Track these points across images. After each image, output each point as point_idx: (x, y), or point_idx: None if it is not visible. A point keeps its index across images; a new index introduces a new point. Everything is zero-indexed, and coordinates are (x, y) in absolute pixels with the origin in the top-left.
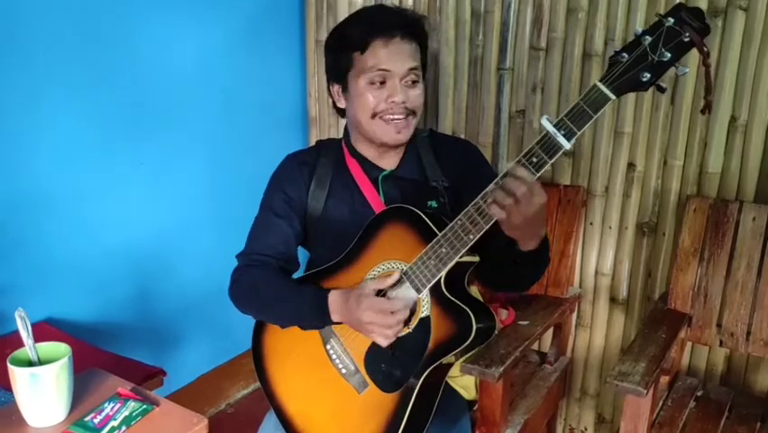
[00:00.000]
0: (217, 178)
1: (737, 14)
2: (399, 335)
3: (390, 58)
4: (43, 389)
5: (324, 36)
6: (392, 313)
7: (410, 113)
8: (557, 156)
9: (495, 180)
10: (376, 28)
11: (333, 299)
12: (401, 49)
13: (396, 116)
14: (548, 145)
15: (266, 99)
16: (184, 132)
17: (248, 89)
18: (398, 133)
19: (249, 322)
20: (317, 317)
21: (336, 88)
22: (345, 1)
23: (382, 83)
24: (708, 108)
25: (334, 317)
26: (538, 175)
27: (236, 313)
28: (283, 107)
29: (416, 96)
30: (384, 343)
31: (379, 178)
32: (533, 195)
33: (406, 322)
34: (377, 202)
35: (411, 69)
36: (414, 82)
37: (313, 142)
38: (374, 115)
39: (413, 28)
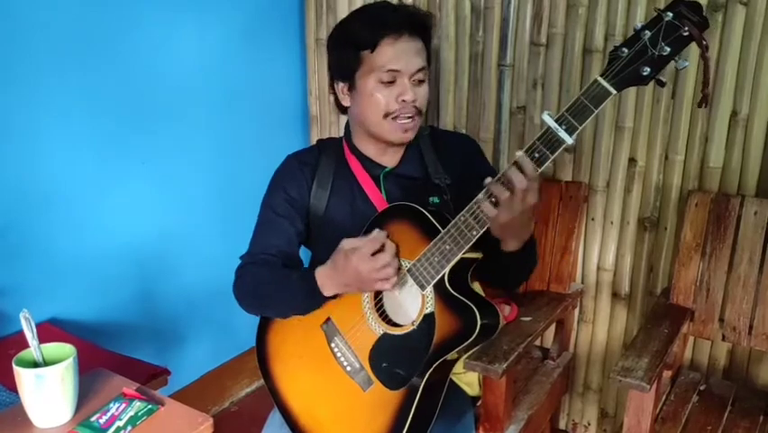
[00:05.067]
0: (219, 176)
1: (738, 9)
2: (405, 331)
3: (399, 57)
4: (49, 390)
5: (324, 35)
6: (382, 252)
7: (418, 112)
8: (559, 151)
9: (496, 177)
10: (384, 26)
11: (320, 272)
12: (409, 47)
13: (406, 116)
14: (549, 140)
15: (267, 98)
16: (185, 131)
17: (249, 88)
18: (406, 132)
19: (252, 320)
20: (310, 297)
21: (342, 87)
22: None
23: (391, 82)
24: (704, 101)
25: (327, 291)
26: (540, 170)
27: (239, 311)
28: (284, 106)
29: (423, 95)
30: (389, 285)
31: (381, 175)
32: (528, 192)
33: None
34: (379, 200)
35: (419, 69)
36: (421, 81)
37: (314, 141)
38: (386, 116)
39: (420, 26)
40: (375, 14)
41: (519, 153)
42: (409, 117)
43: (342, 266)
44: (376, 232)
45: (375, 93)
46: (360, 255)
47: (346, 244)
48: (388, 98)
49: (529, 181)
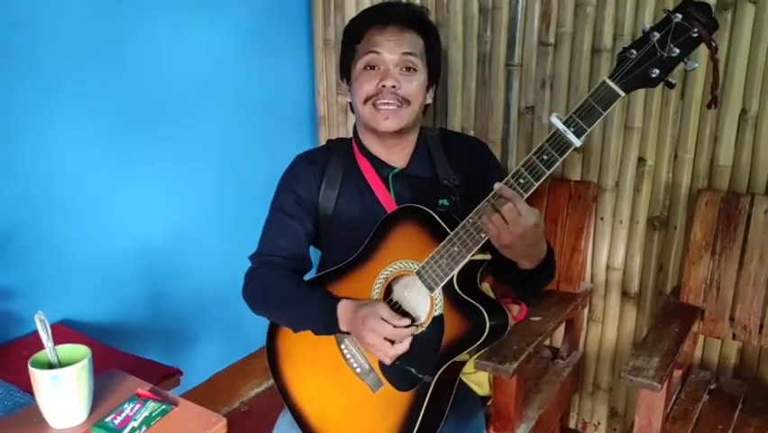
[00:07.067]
0: (228, 177)
1: (747, 7)
2: (415, 333)
3: (383, 42)
4: (64, 391)
5: (331, 35)
6: (393, 343)
7: (403, 101)
8: (567, 153)
9: (476, 209)
10: (373, 18)
11: (343, 310)
12: (396, 35)
13: (387, 102)
14: (558, 143)
15: (275, 98)
16: (194, 132)
17: (257, 89)
18: (386, 119)
19: (261, 320)
20: (326, 326)
21: (345, 84)
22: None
23: (375, 68)
24: (714, 103)
25: (343, 327)
26: (549, 172)
27: (249, 312)
28: (292, 106)
29: (410, 84)
30: (386, 362)
31: (390, 176)
32: (520, 215)
33: (412, 321)
34: (388, 201)
35: (405, 53)
36: (409, 69)
37: (322, 141)
38: (366, 100)
39: (410, 18)
40: (370, 10)
41: (497, 185)
42: (391, 103)
43: (358, 321)
44: (413, 329)
45: (360, 77)
46: (373, 327)
47: (378, 308)
48: (371, 83)
49: (516, 206)
